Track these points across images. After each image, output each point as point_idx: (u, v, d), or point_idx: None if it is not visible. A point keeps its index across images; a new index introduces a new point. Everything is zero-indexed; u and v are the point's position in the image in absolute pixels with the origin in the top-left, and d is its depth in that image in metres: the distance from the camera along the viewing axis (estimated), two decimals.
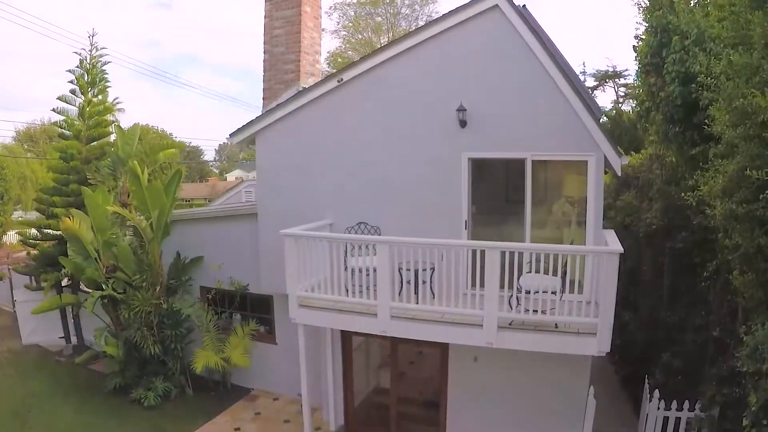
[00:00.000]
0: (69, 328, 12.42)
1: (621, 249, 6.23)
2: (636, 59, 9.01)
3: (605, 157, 7.22)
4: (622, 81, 18.13)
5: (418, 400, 9.52)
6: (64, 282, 11.70)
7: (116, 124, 10.96)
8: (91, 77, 11.55)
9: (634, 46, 9.08)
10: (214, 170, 68.64)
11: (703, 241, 8.21)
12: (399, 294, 7.17)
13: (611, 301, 6.15)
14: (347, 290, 7.32)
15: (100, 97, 11.78)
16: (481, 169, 7.97)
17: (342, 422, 9.19)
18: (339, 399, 9.13)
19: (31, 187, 17.21)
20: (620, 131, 15.73)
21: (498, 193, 8.49)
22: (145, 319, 9.45)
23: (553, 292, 6.52)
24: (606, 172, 11.91)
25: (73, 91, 11.63)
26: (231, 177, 60.34)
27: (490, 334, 6.56)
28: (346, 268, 7.43)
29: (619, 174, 7.42)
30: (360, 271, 7.25)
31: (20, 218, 12.89)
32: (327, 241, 7.32)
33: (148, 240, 9.57)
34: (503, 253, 6.34)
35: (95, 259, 9.57)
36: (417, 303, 7.01)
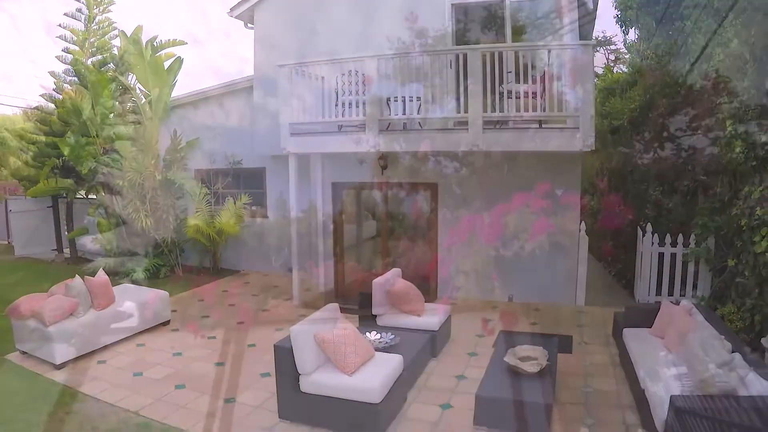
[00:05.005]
0: (63, 240, 12.38)
1: (595, 42, 6.59)
2: None
3: None
4: (612, 48, 18.90)
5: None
6: None
7: (121, 31, 11.37)
8: None
9: None
10: None
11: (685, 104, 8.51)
12: (387, 127, 7.40)
13: (590, 93, 6.40)
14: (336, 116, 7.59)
15: (105, 15, 12.33)
16: (465, 15, 8.42)
17: (332, 286, 9.11)
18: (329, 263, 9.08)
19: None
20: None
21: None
22: (138, 190, 9.52)
23: (534, 94, 6.77)
24: None
25: (78, 9, 12.17)
26: None
27: (476, 136, 6.74)
28: (337, 104, 7.71)
29: None
30: (350, 105, 7.54)
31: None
32: (322, 65, 7.62)
33: (146, 118, 9.81)
34: (484, 58, 6.63)
35: (94, 136, 9.77)
36: (404, 114, 7.22)
